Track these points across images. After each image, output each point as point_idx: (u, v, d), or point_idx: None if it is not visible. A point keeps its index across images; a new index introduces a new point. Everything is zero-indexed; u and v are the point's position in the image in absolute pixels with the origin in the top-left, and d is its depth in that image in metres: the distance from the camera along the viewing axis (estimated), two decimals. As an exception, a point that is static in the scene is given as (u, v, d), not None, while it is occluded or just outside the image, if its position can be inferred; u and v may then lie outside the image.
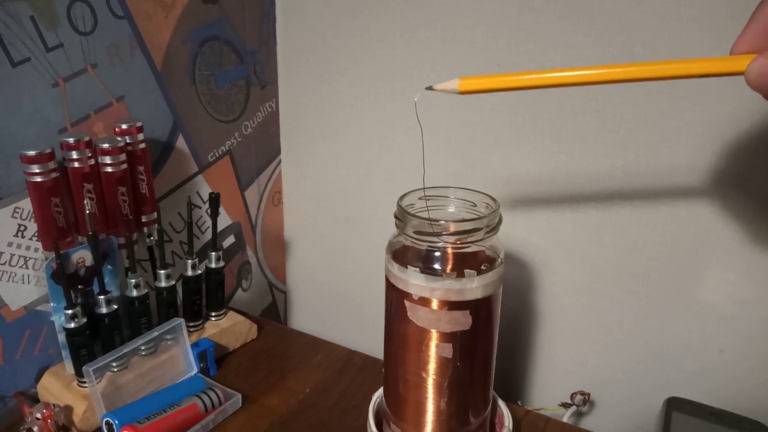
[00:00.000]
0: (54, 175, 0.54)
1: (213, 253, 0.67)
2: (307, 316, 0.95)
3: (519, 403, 0.68)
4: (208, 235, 0.76)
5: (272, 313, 0.93)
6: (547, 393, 0.75)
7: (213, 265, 0.68)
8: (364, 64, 0.74)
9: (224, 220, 0.80)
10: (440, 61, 0.69)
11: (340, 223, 0.85)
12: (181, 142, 0.71)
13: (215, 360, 0.65)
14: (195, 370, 0.62)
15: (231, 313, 0.71)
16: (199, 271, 0.66)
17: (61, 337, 0.56)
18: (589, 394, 0.68)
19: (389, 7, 0.70)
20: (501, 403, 0.55)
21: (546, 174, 0.66)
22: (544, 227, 0.68)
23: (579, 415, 0.72)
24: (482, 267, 0.45)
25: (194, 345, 0.63)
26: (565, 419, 0.66)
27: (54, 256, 0.53)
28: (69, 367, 0.58)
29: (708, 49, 0.55)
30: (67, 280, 0.54)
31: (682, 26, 0.55)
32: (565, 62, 0.61)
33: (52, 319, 0.57)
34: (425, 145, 0.58)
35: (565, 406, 0.68)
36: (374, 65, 0.74)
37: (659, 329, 0.65)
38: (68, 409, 0.56)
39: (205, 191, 0.76)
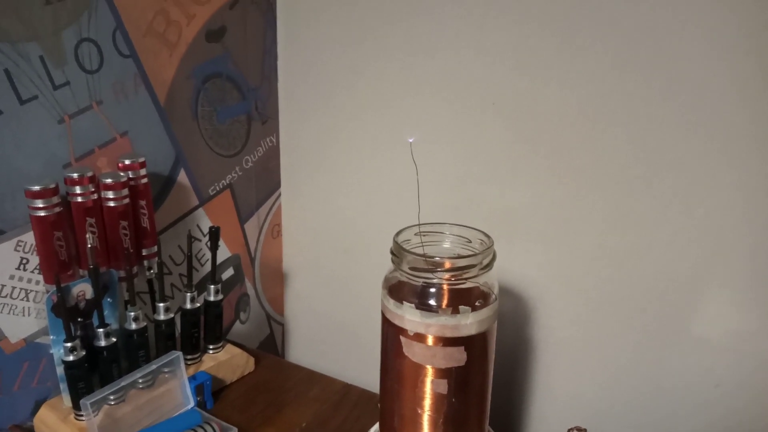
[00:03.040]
0: (57, 209, 0.55)
1: (212, 286, 0.68)
2: (305, 348, 0.95)
3: (516, 437, 0.68)
4: (208, 267, 0.77)
5: (270, 345, 0.93)
6: (544, 427, 0.74)
7: (212, 298, 0.68)
8: (363, 99, 0.76)
9: (224, 253, 0.81)
10: (438, 95, 0.70)
11: (338, 255, 0.85)
12: (182, 176, 0.72)
13: (212, 393, 0.65)
14: (192, 404, 0.62)
15: (229, 346, 0.71)
16: (198, 304, 0.67)
17: (60, 370, 0.57)
18: (586, 430, 0.68)
19: (388, 43, 0.72)
20: (497, 439, 0.55)
21: (542, 207, 0.67)
22: (541, 260, 0.69)
23: (577, 450, 0.72)
24: (477, 303, 0.46)
25: (191, 378, 0.63)
26: (562, 454, 0.66)
27: (55, 289, 0.53)
28: (66, 400, 0.58)
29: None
30: (68, 313, 0.55)
31: (674, 64, 0.57)
32: (560, 96, 0.63)
33: (51, 351, 0.58)
34: (422, 178, 0.59)
35: (563, 441, 0.67)
36: (373, 100, 0.75)
37: (656, 363, 0.65)
38: (64, 443, 0.56)
39: (206, 224, 0.77)
